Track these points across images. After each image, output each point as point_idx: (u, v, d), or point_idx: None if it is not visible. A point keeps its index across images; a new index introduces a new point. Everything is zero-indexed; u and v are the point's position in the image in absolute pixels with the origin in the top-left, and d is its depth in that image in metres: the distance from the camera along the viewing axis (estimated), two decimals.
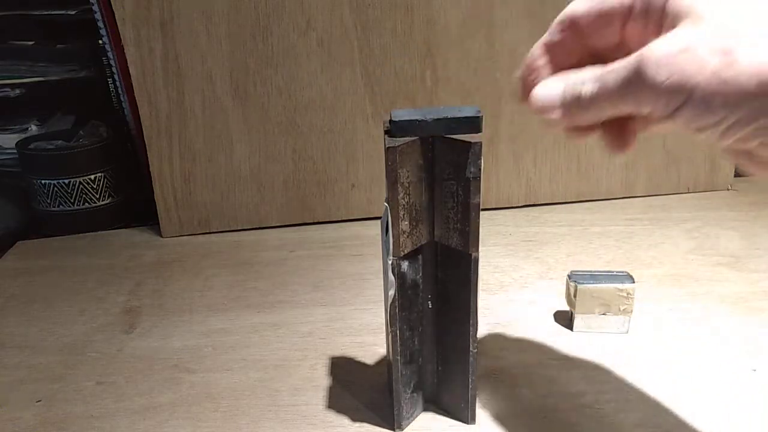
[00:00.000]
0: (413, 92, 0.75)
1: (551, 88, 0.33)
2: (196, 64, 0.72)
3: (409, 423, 0.45)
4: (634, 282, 0.51)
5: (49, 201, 0.80)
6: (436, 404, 0.46)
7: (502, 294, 0.61)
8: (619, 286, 0.51)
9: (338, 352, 0.53)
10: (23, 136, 0.85)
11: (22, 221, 0.84)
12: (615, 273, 0.53)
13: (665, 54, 0.28)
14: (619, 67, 0.30)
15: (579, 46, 0.35)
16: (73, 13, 0.82)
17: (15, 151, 0.82)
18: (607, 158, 0.80)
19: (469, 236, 0.39)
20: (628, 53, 0.30)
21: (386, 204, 0.38)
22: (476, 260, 0.39)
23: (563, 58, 0.35)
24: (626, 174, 0.82)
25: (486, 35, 0.73)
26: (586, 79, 0.32)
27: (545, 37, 0.36)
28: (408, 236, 0.39)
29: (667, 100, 0.29)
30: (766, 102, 0.27)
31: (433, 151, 0.38)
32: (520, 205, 0.81)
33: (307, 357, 0.53)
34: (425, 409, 0.46)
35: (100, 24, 0.76)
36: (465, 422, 0.44)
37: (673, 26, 0.29)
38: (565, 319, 0.56)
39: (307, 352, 0.53)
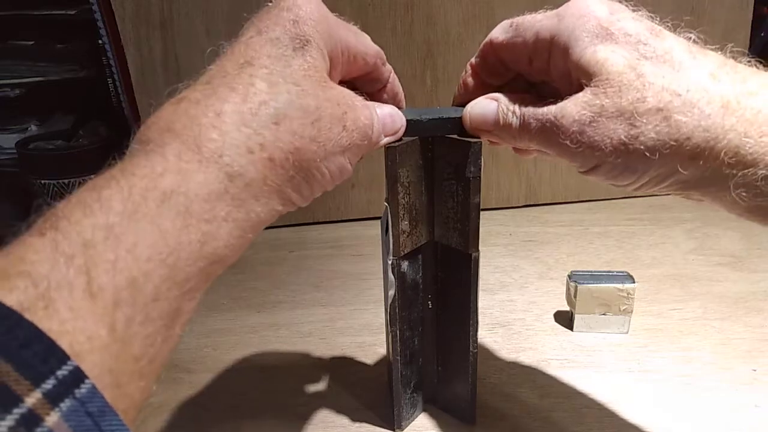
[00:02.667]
0: (413, 92, 0.75)
1: (484, 108, 0.34)
2: (196, 64, 0.72)
3: (409, 423, 0.45)
4: (634, 282, 0.51)
5: (49, 201, 0.80)
6: (436, 404, 0.46)
7: (502, 294, 0.61)
8: (619, 286, 0.51)
9: (338, 352, 0.53)
10: (23, 136, 0.85)
11: (22, 221, 0.83)
12: (615, 273, 0.53)
13: (576, 122, 0.29)
14: (538, 117, 0.31)
15: (506, 69, 0.36)
16: (73, 13, 0.82)
17: (15, 151, 0.82)
18: None
19: (469, 236, 0.39)
20: (550, 78, 0.32)
21: (386, 204, 0.38)
22: (476, 260, 0.39)
23: (495, 78, 0.37)
24: None
25: (486, 35, 0.73)
26: (514, 111, 0.33)
27: (472, 59, 0.37)
28: (408, 236, 0.39)
29: (581, 163, 0.31)
30: (672, 166, 0.28)
31: (433, 151, 0.38)
32: (520, 205, 0.81)
33: (307, 357, 0.53)
34: (425, 409, 0.46)
35: (100, 24, 0.76)
36: (465, 422, 0.44)
37: (581, 84, 0.30)
38: (565, 319, 0.56)
39: (307, 352, 0.53)
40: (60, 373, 0.19)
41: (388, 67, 0.36)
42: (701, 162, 0.27)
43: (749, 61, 0.29)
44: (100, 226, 0.22)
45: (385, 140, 0.34)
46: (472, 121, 0.35)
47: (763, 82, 0.28)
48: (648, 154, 0.28)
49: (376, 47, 0.34)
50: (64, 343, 0.19)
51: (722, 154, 0.27)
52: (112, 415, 0.19)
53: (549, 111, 0.30)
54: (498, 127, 0.34)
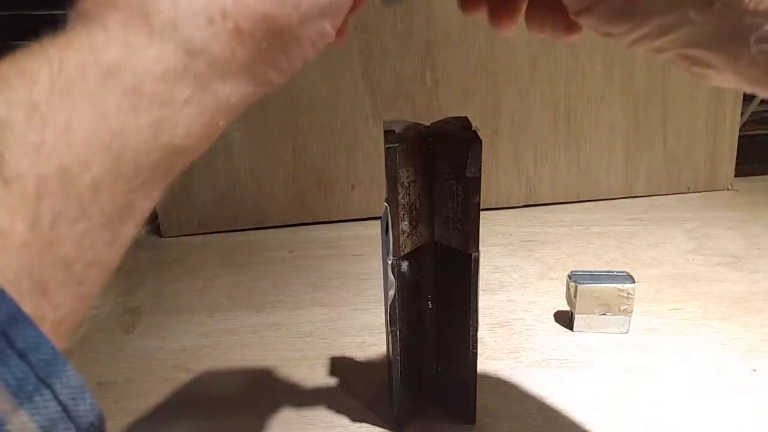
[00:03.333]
0: (413, 92, 0.75)
1: None
2: None
3: (409, 423, 0.45)
4: (634, 282, 0.51)
5: None
6: (436, 404, 0.46)
7: (502, 294, 0.61)
8: (619, 286, 0.51)
9: (338, 352, 0.53)
10: None
11: None
12: (615, 273, 0.53)
13: None
14: None
15: None
16: None
17: None
18: (607, 158, 0.80)
19: (469, 236, 0.39)
20: None
21: (386, 204, 0.38)
22: (476, 260, 0.39)
23: None
24: (626, 174, 0.82)
25: (486, 35, 0.73)
26: None
27: None
28: (408, 236, 0.39)
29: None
30: (681, 12, 0.24)
31: (433, 151, 0.38)
32: (520, 205, 0.81)
33: (307, 357, 0.53)
34: (425, 409, 0.46)
35: None
36: (465, 422, 0.44)
37: None
38: (565, 319, 0.56)
39: (307, 352, 0.53)
40: None
41: None
42: (718, 6, 0.23)
43: None
44: (20, 103, 0.18)
45: None
46: None
47: None
48: None
49: None
50: None
51: None
52: (25, 323, 0.16)
53: None
54: None
